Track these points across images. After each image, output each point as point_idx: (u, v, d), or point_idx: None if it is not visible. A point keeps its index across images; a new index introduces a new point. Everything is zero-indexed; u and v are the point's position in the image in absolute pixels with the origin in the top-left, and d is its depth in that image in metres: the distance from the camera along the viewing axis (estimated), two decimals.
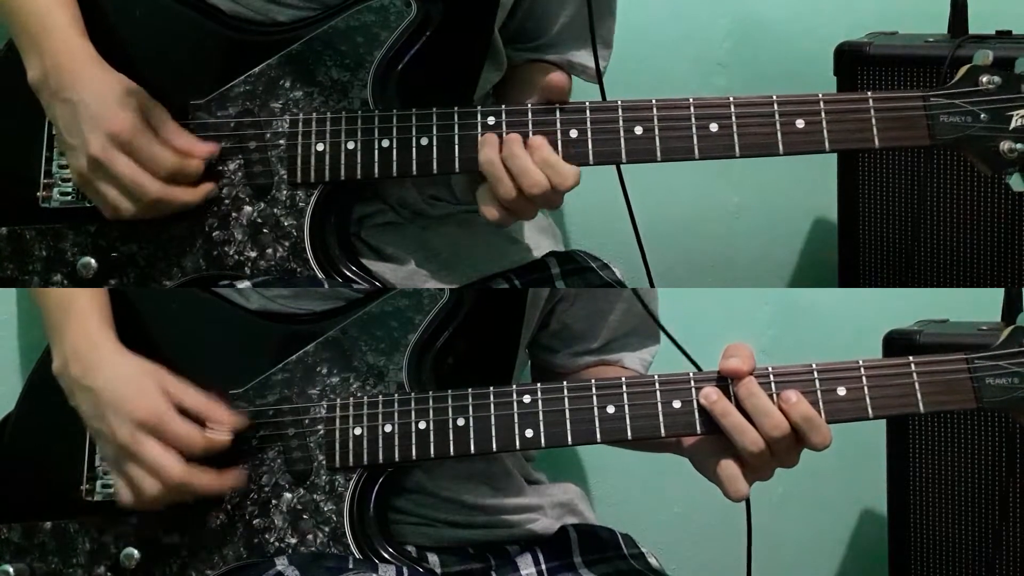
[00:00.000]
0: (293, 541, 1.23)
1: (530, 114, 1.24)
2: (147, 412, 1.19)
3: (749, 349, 1.18)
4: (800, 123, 1.22)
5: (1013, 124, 1.20)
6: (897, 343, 1.63)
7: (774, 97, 1.22)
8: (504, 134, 1.23)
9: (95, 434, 1.24)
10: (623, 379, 1.20)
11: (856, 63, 1.75)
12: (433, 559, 1.28)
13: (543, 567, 1.30)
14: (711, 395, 1.18)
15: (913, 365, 1.17)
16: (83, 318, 1.25)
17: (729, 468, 1.17)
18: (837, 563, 1.89)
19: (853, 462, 1.78)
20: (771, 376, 1.17)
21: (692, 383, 1.19)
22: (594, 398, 1.19)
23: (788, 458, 1.17)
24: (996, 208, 1.74)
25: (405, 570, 1.21)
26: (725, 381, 1.18)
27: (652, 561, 1.34)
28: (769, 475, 1.18)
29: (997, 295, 1.62)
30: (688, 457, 1.25)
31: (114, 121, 1.23)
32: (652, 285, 1.44)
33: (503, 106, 1.24)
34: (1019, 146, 1.20)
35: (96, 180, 1.25)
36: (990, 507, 1.65)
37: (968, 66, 1.22)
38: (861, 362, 1.18)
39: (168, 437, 1.19)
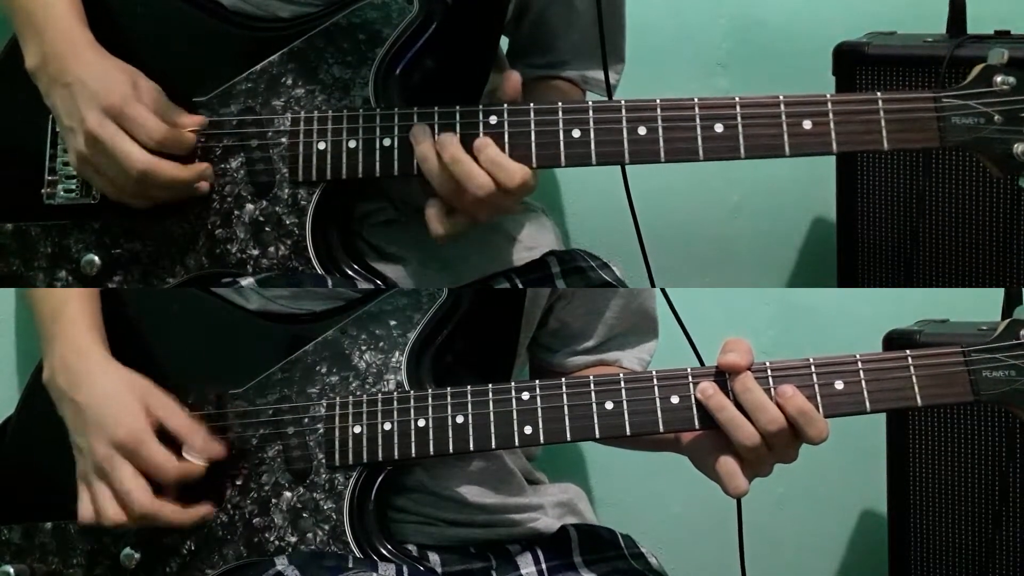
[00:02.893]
0: (293, 540, 1.22)
1: (532, 113, 1.23)
2: (125, 434, 1.19)
3: (747, 344, 1.18)
4: (807, 124, 1.20)
5: None
6: (897, 343, 1.63)
7: (780, 97, 1.21)
8: (437, 132, 1.22)
9: (75, 447, 1.23)
10: (621, 375, 1.20)
11: (855, 63, 1.75)
12: (434, 558, 1.28)
13: (543, 566, 1.30)
14: (707, 390, 1.18)
15: (910, 359, 1.17)
16: (72, 328, 1.25)
17: (728, 464, 1.16)
18: (837, 563, 1.89)
19: (853, 462, 1.78)
20: (768, 371, 1.17)
21: (690, 378, 1.18)
22: (592, 394, 1.19)
23: (786, 453, 1.17)
24: (996, 208, 1.74)
25: (405, 568, 1.20)
26: (723, 376, 1.18)
27: (652, 561, 1.33)
28: (768, 471, 1.18)
29: (997, 295, 1.62)
30: (687, 454, 1.25)
31: (108, 95, 1.23)
32: (653, 284, 1.43)
33: (504, 105, 1.24)
34: None
35: (94, 157, 1.24)
36: (990, 507, 1.65)
37: (982, 65, 1.20)
38: (858, 356, 1.18)
39: (143, 462, 1.19)
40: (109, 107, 1.22)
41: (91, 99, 1.23)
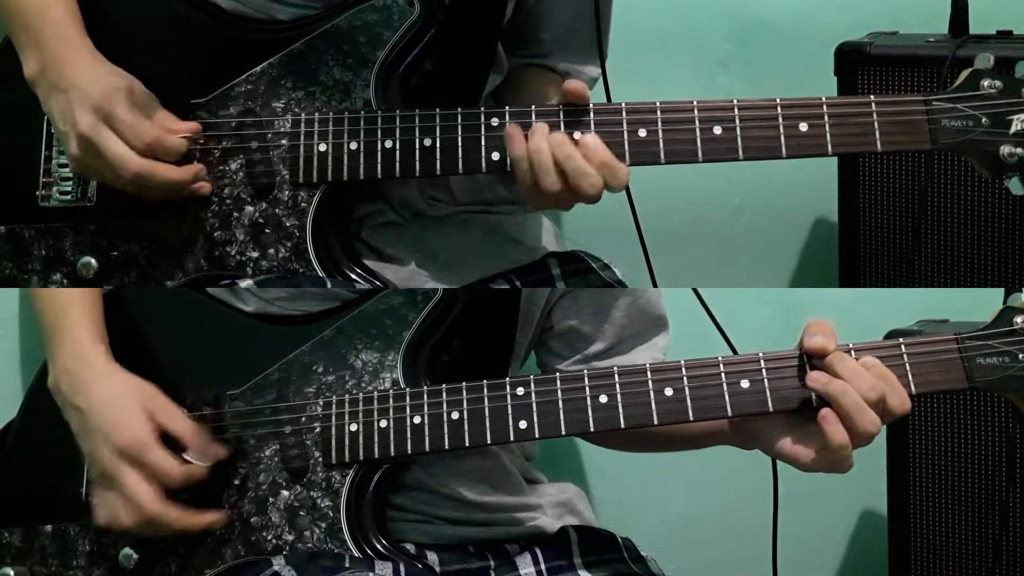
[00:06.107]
0: (290, 538, 1.23)
1: (534, 116, 1.24)
2: (128, 440, 1.19)
3: None
4: (803, 126, 1.22)
5: (1013, 128, 1.21)
6: None
7: (777, 100, 1.23)
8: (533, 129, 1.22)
9: (84, 453, 1.24)
10: (615, 368, 1.20)
11: (857, 63, 1.75)
12: (432, 557, 1.28)
13: (542, 567, 1.30)
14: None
15: (904, 347, 1.17)
16: (74, 333, 1.25)
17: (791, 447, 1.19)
18: (837, 563, 1.89)
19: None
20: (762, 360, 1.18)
21: (684, 371, 1.19)
22: (587, 388, 1.19)
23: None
24: (997, 208, 1.74)
25: (402, 566, 1.21)
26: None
27: (652, 566, 1.33)
28: None
29: (998, 296, 1.61)
30: (738, 442, 1.25)
31: (102, 98, 1.23)
32: (655, 285, 1.43)
33: (507, 107, 1.24)
34: (1019, 150, 1.21)
35: (89, 160, 1.24)
36: (990, 507, 1.65)
37: (970, 70, 1.22)
38: (851, 345, 1.18)
39: (147, 467, 1.19)
40: (98, 108, 1.23)
41: (84, 102, 1.23)
